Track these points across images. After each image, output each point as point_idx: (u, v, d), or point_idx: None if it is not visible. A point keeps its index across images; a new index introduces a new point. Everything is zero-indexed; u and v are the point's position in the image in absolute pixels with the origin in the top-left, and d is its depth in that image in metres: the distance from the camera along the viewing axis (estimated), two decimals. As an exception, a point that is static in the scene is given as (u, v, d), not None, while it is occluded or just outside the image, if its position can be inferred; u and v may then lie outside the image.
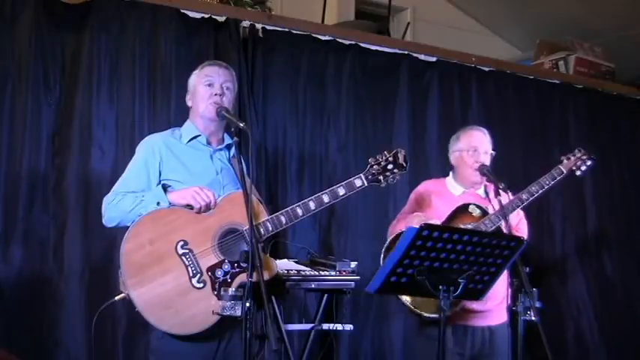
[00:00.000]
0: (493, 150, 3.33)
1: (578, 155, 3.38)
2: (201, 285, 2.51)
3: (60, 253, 3.39)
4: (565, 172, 3.32)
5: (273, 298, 3.00)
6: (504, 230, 3.07)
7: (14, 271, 3.30)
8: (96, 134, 3.52)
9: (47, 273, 3.36)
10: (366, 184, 2.74)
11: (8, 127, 3.37)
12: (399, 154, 2.77)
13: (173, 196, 2.58)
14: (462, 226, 3.10)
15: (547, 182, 3.26)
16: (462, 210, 3.19)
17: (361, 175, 2.74)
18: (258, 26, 4.03)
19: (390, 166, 2.76)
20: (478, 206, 3.19)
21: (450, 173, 3.41)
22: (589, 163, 3.38)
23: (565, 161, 3.36)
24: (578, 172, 3.37)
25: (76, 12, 3.53)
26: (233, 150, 2.82)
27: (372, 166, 2.76)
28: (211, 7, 3.96)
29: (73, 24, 3.52)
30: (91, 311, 2.75)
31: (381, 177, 2.75)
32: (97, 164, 3.49)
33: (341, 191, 2.70)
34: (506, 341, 3.18)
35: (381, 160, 2.76)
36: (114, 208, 2.60)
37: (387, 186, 2.80)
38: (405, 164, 2.78)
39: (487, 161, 3.26)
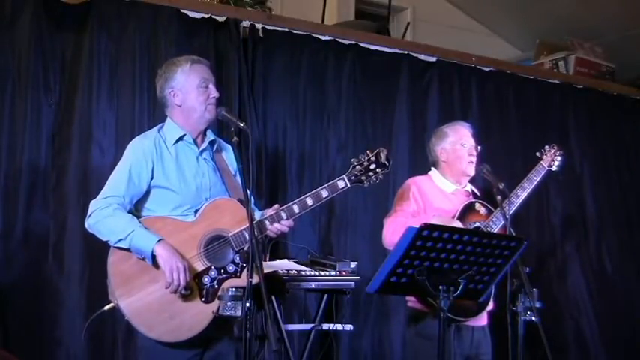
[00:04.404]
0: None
1: (552, 151, 3.57)
2: (189, 292, 2.51)
3: (60, 253, 3.39)
4: (546, 167, 3.52)
5: (273, 298, 3.00)
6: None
7: (14, 271, 3.30)
8: (96, 134, 3.52)
9: (47, 273, 3.36)
10: (349, 185, 2.70)
11: (8, 127, 3.36)
12: (381, 154, 2.73)
13: (161, 252, 2.47)
14: (474, 225, 3.16)
15: (535, 177, 3.45)
16: (470, 208, 3.23)
17: (344, 176, 2.70)
18: (258, 26, 4.02)
19: (372, 166, 2.72)
20: (483, 204, 3.26)
21: (434, 170, 3.40)
22: (559, 158, 3.58)
23: (544, 157, 3.54)
24: (554, 168, 3.57)
25: (76, 12, 3.53)
26: (216, 146, 2.81)
27: (354, 167, 2.72)
28: (211, 7, 3.96)
29: (73, 24, 3.52)
30: (92, 311, 2.74)
31: (363, 177, 2.71)
32: (97, 164, 3.48)
33: (324, 193, 2.67)
34: (490, 342, 3.26)
35: (363, 160, 2.73)
36: (104, 224, 2.52)
37: (370, 186, 2.76)
38: (387, 163, 2.73)
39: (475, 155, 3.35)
